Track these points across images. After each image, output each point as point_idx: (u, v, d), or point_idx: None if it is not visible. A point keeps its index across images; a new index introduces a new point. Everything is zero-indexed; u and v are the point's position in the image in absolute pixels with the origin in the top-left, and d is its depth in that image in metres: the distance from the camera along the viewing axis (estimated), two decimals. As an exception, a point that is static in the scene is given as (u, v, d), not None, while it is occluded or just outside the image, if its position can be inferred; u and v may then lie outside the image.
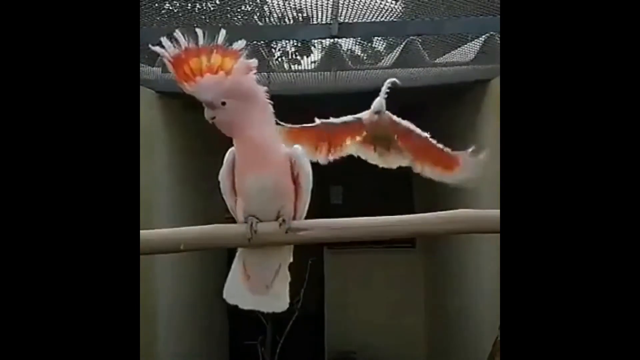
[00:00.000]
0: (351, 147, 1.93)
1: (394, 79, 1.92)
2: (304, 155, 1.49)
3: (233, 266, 1.58)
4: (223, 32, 1.31)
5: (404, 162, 1.93)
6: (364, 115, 1.89)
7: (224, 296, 1.58)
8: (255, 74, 1.38)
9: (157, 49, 1.30)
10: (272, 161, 1.44)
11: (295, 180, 1.47)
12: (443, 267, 4.62)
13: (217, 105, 1.35)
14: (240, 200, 1.49)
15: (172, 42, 1.29)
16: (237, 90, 1.36)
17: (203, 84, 1.31)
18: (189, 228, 1.51)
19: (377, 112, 1.88)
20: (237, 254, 1.58)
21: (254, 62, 1.36)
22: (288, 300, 1.60)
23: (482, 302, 3.50)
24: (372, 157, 1.97)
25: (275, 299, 1.60)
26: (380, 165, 1.97)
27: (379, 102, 1.90)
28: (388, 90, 1.90)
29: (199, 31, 1.30)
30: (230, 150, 1.48)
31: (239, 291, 1.58)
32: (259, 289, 1.58)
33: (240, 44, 1.33)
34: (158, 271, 3.35)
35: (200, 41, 1.30)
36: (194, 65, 1.30)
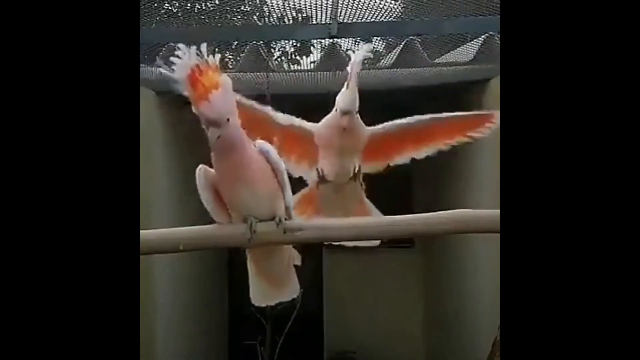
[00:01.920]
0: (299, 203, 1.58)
1: (368, 48, 1.39)
2: (268, 146, 1.43)
3: (250, 273, 1.63)
4: (204, 45, 1.26)
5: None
6: (315, 126, 1.42)
7: (253, 302, 1.65)
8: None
9: (168, 67, 1.24)
10: (257, 167, 1.41)
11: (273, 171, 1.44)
12: (442, 266, 4.62)
13: (222, 123, 1.29)
14: (233, 207, 1.46)
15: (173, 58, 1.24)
16: (236, 104, 1.34)
17: (214, 101, 1.26)
18: (188, 228, 1.51)
19: (346, 113, 1.27)
20: (248, 261, 1.62)
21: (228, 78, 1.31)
22: (298, 285, 1.69)
23: (481, 302, 3.50)
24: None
25: (292, 287, 1.70)
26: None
27: (347, 97, 1.24)
28: (362, 64, 1.29)
29: (203, 47, 1.25)
30: (201, 169, 1.43)
31: (263, 293, 1.66)
32: (278, 284, 1.67)
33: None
34: (157, 271, 3.35)
35: (205, 55, 1.24)
36: (207, 81, 1.25)
